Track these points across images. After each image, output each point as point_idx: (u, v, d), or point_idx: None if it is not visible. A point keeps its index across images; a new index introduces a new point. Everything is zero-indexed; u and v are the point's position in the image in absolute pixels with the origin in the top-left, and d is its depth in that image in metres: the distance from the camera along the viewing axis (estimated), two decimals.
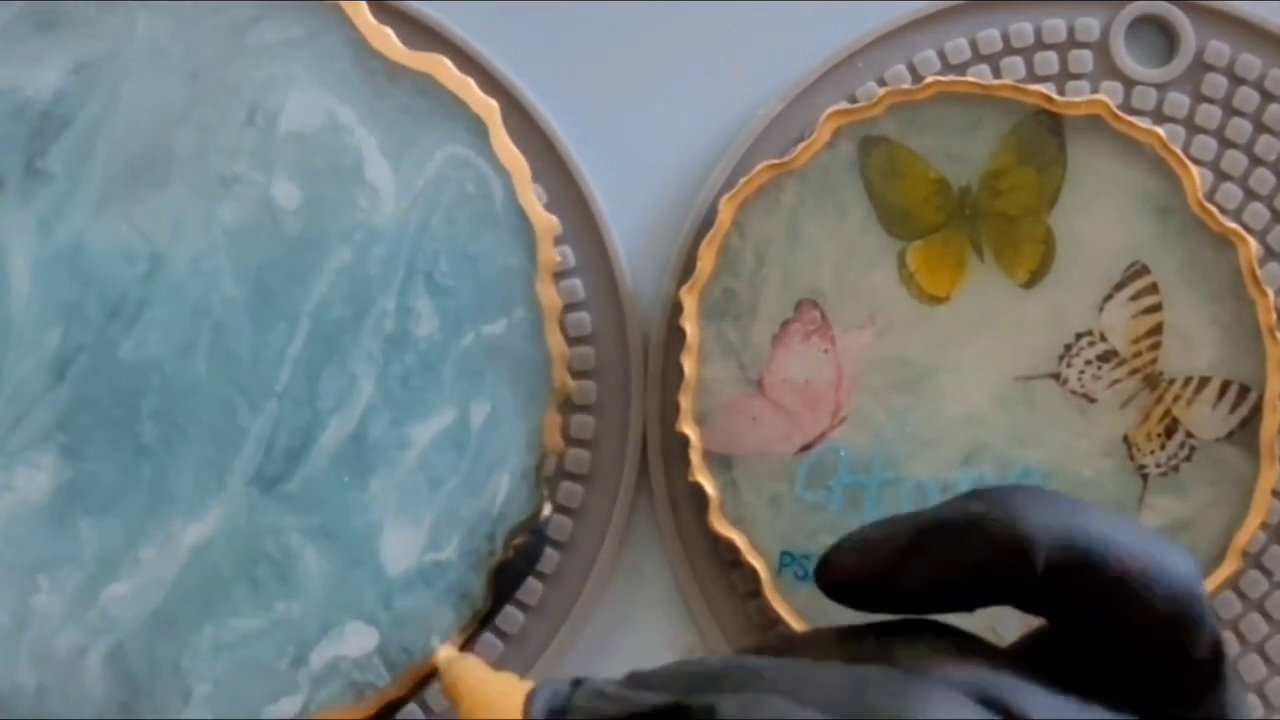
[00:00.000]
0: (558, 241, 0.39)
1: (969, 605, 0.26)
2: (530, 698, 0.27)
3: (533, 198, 0.34)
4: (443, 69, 0.33)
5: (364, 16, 0.32)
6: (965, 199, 0.42)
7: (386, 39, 0.32)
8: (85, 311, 0.29)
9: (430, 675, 0.34)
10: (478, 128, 0.33)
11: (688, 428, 0.41)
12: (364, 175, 0.32)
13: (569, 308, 0.40)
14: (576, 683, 0.27)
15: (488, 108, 0.33)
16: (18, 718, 0.29)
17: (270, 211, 0.31)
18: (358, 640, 0.32)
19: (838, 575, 0.28)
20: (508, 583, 0.37)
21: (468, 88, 0.33)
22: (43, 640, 0.29)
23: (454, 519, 0.33)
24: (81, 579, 0.30)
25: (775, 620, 0.41)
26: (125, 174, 0.29)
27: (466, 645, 0.35)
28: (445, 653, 0.33)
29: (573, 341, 0.41)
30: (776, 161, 0.42)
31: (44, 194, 0.29)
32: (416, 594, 0.33)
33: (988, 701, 0.24)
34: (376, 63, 0.32)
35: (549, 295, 0.34)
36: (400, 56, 0.32)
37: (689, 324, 0.41)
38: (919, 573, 0.26)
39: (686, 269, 0.43)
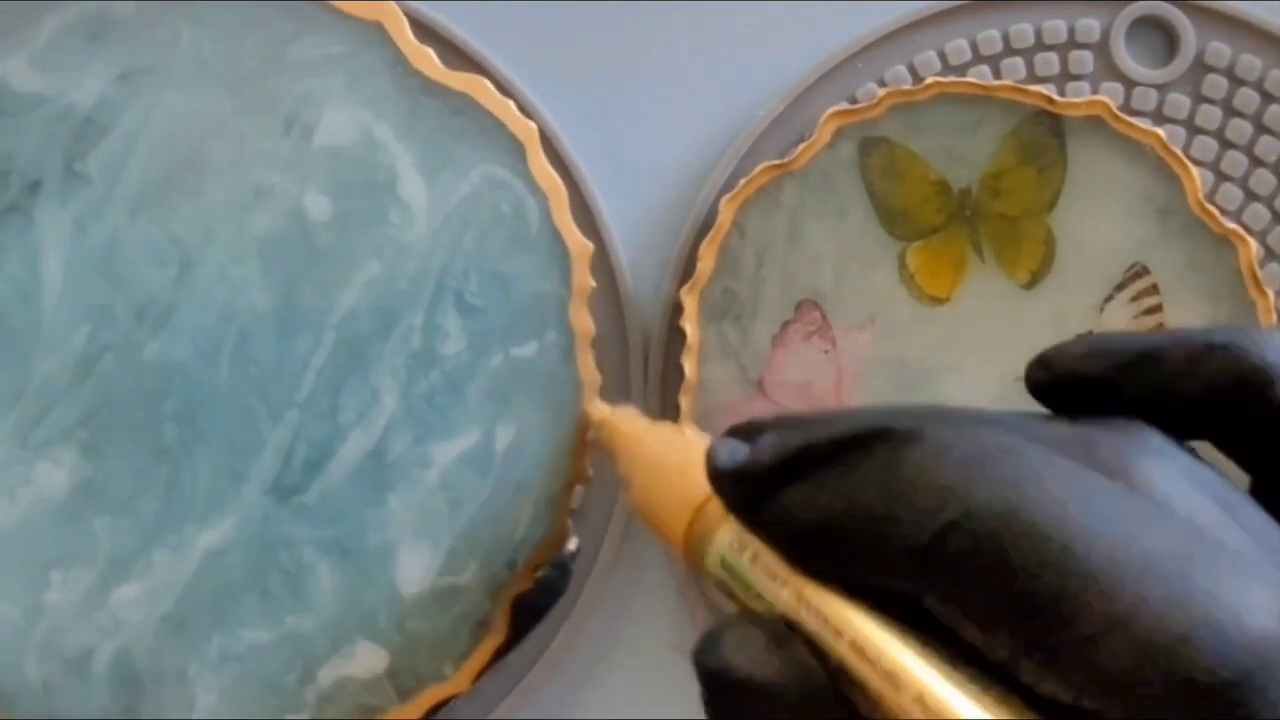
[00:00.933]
0: None
1: (1182, 429, 0.25)
2: (712, 452, 0.26)
3: (569, 221, 0.34)
4: (483, 90, 0.33)
5: (405, 35, 0.32)
6: (965, 200, 0.42)
7: (427, 58, 0.33)
8: (114, 312, 0.29)
9: (442, 703, 0.34)
10: (515, 149, 0.34)
11: (688, 428, 0.41)
12: (397, 191, 0.32)
13: None
14: (755, 428, 0.26)
15: (527, 130, 0.34)
16: (21, 715, 0.29)
17: (301, 223, 0.31)
18: (367, 661, 0.32)
19: (1062, 368, 0.26)
20: (527, 617, 0.37)
21: (507, 109, 0.33)
22: (52, 638, 0.30)
23: (474, 543, 0.33)
24: (93, 578, 0.30)
25: None
26: (161, 180, 0.30)
27: (479, 677, 0.35)
28: (599, 408, 0.33)
29: None
30: (777, 162, 0.42)
31: (81, 196, 0.30)
32: (431, 618, 0.33)
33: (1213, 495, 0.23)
34: (415, 81, 0.33)
35: (583, 320, 0.34)
36: (440, 76, 0.33)
37: (689, 325, 0.41)
38: (1149, 379, 0.25)
39: (687, 270, 0.43)
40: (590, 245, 0.36)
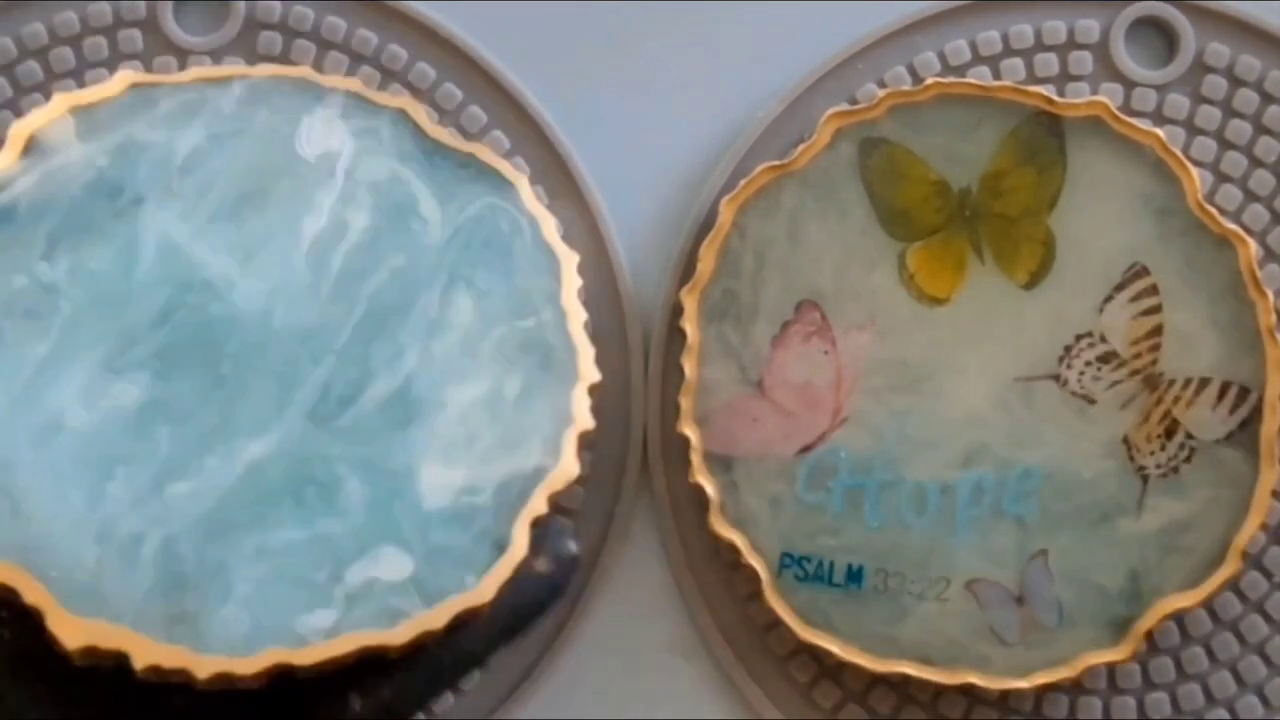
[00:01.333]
0: None
1: None
2: None
3: (557, 238, 0.41)
4: (484, 151, 0.42)
5: (422, 116, 0.42)
6: (965, 200, 0.43)
7: (440, 130, 0.42)
8: (189, 282, 0.38)
9: (466, 612, 0.36)
10: (510, 188, 0.42)
11: (688, 429, 0.41)
12: (418, 210, 0.41)
13: None
14: None
15: (518, 176, 0.42)
16: (71, 589, 0.34)
17: (343, 228, 0.40)
18: (393, 565, 0.36)
19: None
20: (528, 612, 0.38)
21: (503, 164, 0.42)
22: (108, 521, 0.35)
23: (489, 471, 0.37)
24: (150, 475, 0.36)
25: (775, 621, 0.42)
26: (234, 202, 0.40)
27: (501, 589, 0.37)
28: None
29: None
30: (777, 163, 0.42)
31: (174, 205, 0.40)
32: (451, 532, 0.37)
33: None
34: (431, 144, 0.42)
35: (573, 304, 0.40)
36: (450, 141, 0.42)
37: (689, 325, 0.41)
38: None
39: (687, 270, 0.43)
40: (577, 254, 0.41)
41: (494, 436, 0.38)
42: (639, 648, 0.44)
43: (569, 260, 0.41)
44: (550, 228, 0.41)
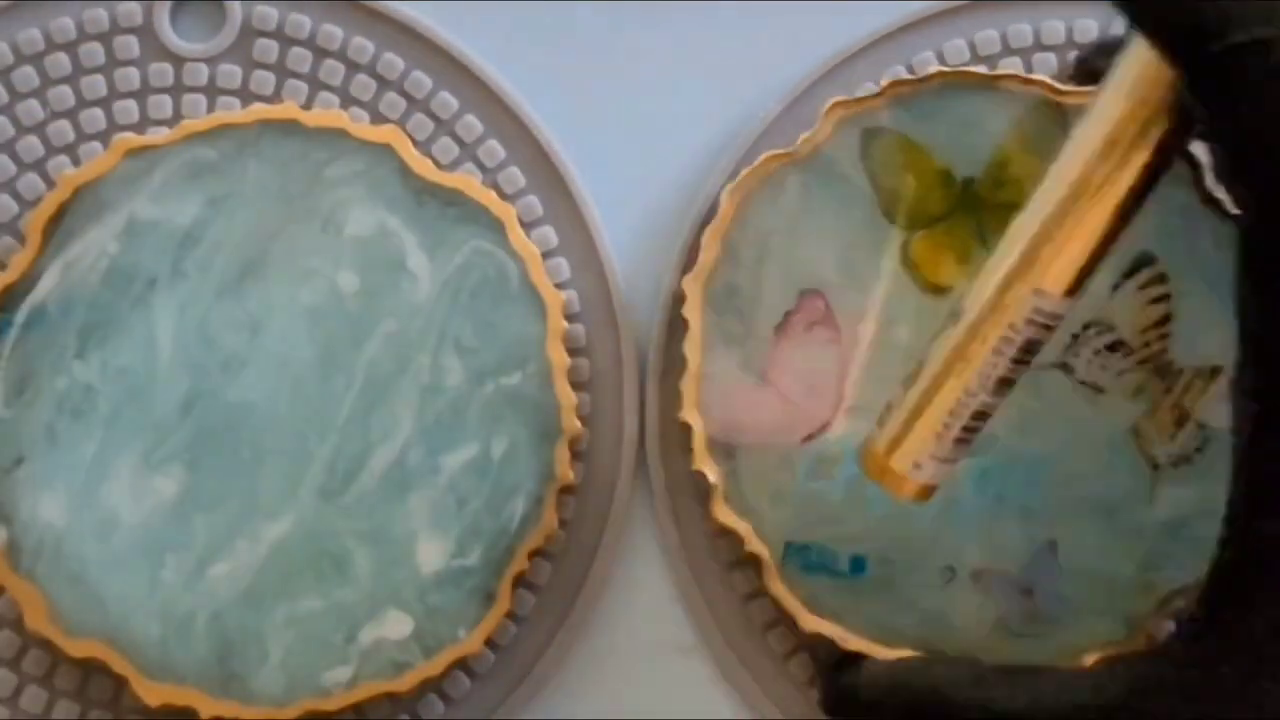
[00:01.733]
0: (552, 255, 0.46)
1: None
2: None
3: (544, 277, 0.44)
4: (470, 184, 0.44)
5: (409, 150, 0.44)
6: (969, 189, 0.42)
7: (425, 164, 0.44)
8: (206, 368, 0.43)
9: (459, 660, 0.43)
10: (498, 225, 0.44)
11: (690, 417, 0.41)
12: (406, 265, 0.43)
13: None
14: None
15: (505, 210, 0.44)
16: (145, 662, 0.42)
17: (336, 295, 0.43)
18: (397, 626, 0.42)
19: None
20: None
21: (490, 197, 0.44)
22: (166, 603, 0.42)
23: (477, 533, 0.43)
24: (194, 560, 0.42)
25: (775, 621, 0.41)
26: (237, 272, 0.43)
27: (488, 641, 0.43)
28: None
29: (569, 353, 0.44)
30: (779, 151, 0.42)
31: (183, 287, 0.43)
32: (446, 592, 0.42)
33: None
34: (418, 183, 0.44)
35: (558, 353, 0.43)
36: (436, 176, 0.44)
37: (691, 314, 0.41)
38: None
39: (690, 259, 0.43)
40: (563, 296, 0.44)
41: (481, 499, 0.43)
42: (639, 648, 0.44)
43: (555, 303, 0.44)
44: (537, 267, 0.44)
